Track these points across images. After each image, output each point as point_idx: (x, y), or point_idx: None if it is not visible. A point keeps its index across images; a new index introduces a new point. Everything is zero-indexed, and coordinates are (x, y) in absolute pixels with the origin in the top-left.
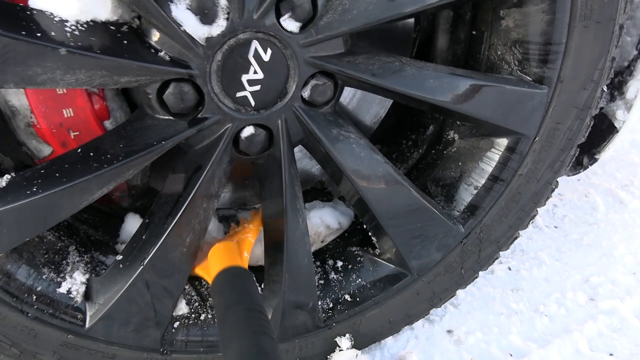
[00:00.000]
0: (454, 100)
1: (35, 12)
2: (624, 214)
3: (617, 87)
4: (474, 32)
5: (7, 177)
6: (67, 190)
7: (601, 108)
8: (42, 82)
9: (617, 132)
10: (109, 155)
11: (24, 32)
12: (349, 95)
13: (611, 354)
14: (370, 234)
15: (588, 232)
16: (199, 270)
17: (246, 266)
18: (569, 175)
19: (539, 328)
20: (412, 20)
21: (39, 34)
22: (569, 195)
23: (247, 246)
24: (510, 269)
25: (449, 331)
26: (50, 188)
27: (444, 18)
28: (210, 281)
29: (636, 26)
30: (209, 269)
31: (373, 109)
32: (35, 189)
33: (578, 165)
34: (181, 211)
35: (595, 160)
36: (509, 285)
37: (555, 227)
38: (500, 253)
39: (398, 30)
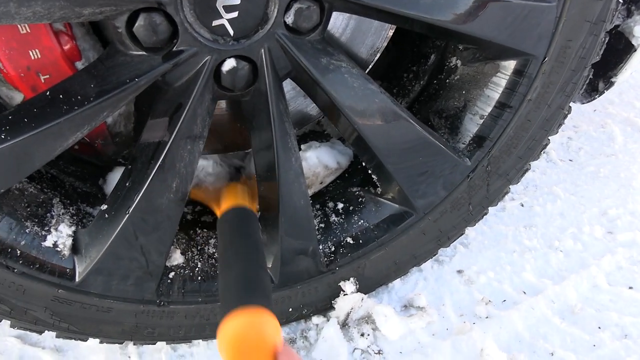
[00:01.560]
0: (454, 20)
1: None
2: None
3: (634, 0)
4: None
5: None
6: (38, 136)
7: (617, 26)
8: None
9: (635, 50)
10: (79, 97)
11: None
12: (341, 26)
13: (631, 287)
14: (371, 173)
15: (605, 164)
16: (209, 202)
17: (255, 210)
18: (583, 103)
19: (554, 264)
20: None
21: None
22: (585, 126)
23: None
24: (522, 205)
25: (459, 271)
26: (19, 135)
27: None
28: (218, 215)
29: None
30: (220, 203)
31: (369, 39)
32: (3, 137)
33: (593, 91)
34: (163, 154)
35: (612, 83)
36: (522, 221)
37: (570, 160)
38: (512, 188)
39: None
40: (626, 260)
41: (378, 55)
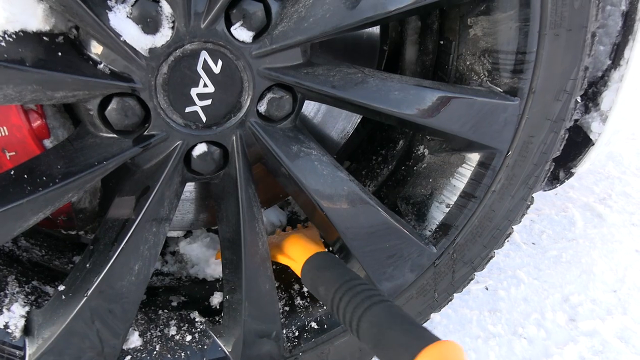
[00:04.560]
0: (420, 114)
1: None
2: (603, 228)
3: (591, 98)
4: (441, 42)
5: None
6: None
7: (576, 120)
8: None
9: (593, 144)
10: (44, 178)
11: None
12: (313, 110)
13: None
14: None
15: (567, 248)
16: (282, 259)
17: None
18: (545, 190)
19: (518, 352)
20: (377, 30)
21: None
22: (547, 210)
23: (316, 232)
24: (487, 288)
25: None
26: None
27: (412, 28)
28: (299, 267)
29: (609, 35)
30: (293, 256)
31: (339, 124)
32: None
33: (554, 180)
34: (127, 237)
35: (572, 174)
36: (487, 306)
37: (533, 243)
38: (476, 273)
39: (363, 41)
40: (588, 350)
41: (348, 137)
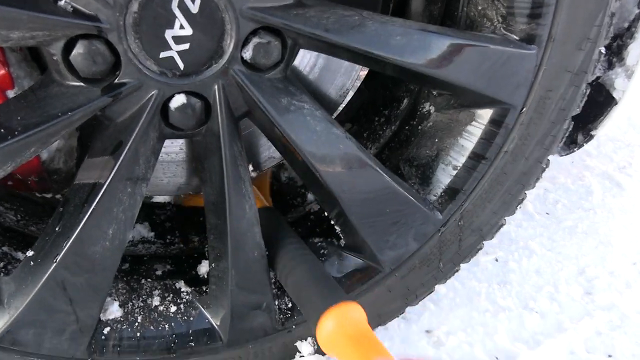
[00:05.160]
0: (426, 63)
1: None
2: (622, 198)
3: (615, 52)
4: None
5: None
6: None
7: (597, 77)
8: None
9: (616, 103)
10: (1, 130)
11: None
12: (309, 64)
13: (610, 355)
14: (333, 223)
15: (583, 219)
16: None
17: (270, 204)
18: (561, 155)
19: (529, 327)
20: None
21: None
22: (562, 178)
23: (264, 185)
24: (497, 260)
25: (427, 331)
26: None
27: None
28: None
29: None
30: None
31: (338, 79)
32: None
33: (572, 143)
34: (98, 197)
35: (592, 137)
36: (496, 278)
37: (547, 213)
38: (486, 243)
39: None
40: (605, 325)
41: (349, 96)
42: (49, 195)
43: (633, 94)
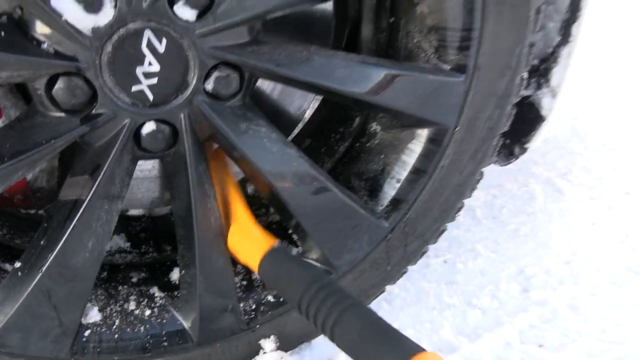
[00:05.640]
0: (366, 91)
1: None
2: (562, 202)
3: (542, 74)
4: (392, 20)
5: None
6: None
7: (528, 96)
8: None
9: (544, 120)
10: None
11: None
12: (269, 87)
13: (541, 345)
14: (290, 232)
15: (526, 222)
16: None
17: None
18: (501, 165)
19: (471, 322)
20: (330, 8)
21: None
22: (509, 185)
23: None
24: (446, 262)
25: None
26: None
27: (368, 7)
28: (256, 268)
29: (559, 11)
30: (246, 251)
31: (296, 101)
32: None
33: (510, 155)
34: (79, 214)
35: (526, 149)
36: (444, 278)
37: (493, 217)
38: (436, 246)
39: (316, 20)
40: (538, 318)
41: (307, 114)
42: (32, 211)
43: (558, 111)
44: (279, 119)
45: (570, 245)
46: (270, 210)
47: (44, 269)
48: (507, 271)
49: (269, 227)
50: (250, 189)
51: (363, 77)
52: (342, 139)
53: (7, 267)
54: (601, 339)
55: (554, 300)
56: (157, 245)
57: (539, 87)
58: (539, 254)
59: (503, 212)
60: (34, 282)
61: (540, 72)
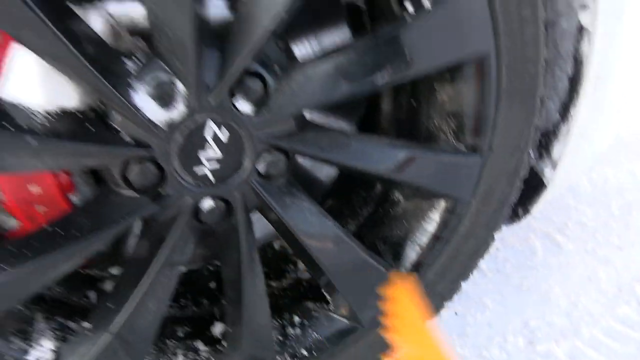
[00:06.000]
0: (393, 170)
1: (4, 103)
2: (560, 256)
3: (545, 147)
4: (413, 102)
5: None
6: (36, 269)
7: (532, 166)
8: (9, 167)
9: (546, 187)
10: (76, 233)
11: None
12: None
13: None
14: (323, 290)
15: (527, 276)
16: None
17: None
18: (506, 225)
19: None
20: None
21: (7, 125)
22: (511, 239)
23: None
24: (456, 314)
25: None
26: (19, 266)
27: (388, 88)
28: None
29: (558, 94)
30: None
31: (325, 169)
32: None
33: (515, 216)
34: (145, 281)
35: (529, 211)
36: (456, 330)
37: (497, 271)
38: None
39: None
40: None
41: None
42: (91, 271)
43: (558, 180)
44: (311, 186)
45: (569, 298)
46: (298, 267)
47: (113, 330)
48: (512, 324)
49: (299, 284)
50: (277, 244)
51: (391, 158)
52: (365, 203)
53: (71, 324)
54: None
55: (556, 352)
56: (194, 299)
57: (541, 157)
58: (542, 307)
59: (507, 265)
60: (103, 343)
61: (543, 145)
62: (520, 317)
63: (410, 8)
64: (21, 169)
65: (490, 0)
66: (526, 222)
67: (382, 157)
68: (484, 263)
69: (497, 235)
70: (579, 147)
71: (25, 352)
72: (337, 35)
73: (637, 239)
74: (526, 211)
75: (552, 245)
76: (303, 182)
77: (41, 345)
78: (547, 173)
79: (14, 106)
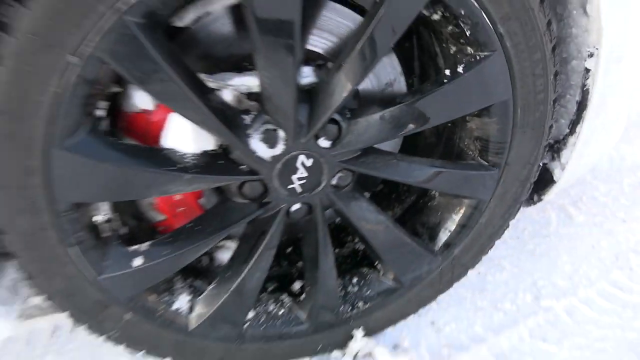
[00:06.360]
0: (433, 183)
1: (166, 150)
2: (571, 227)
3: (556, 151)
4: (450, 125)
5: (147, 243)
6: (185, 253)
7: (546, 163)
8: (168, 192)
9: (555, 183)
10: (209, 229)
11: (159, 165)
12: None
13: (544, 340)
14: (376, 262)
15: (541, 244)
16: None
17: None
18: (524, 207)
19: (496, 321)
20: None
21: (169, 165)
22: (530, 210)
23: None
24: (479, 273)
25: (432, 322)
26: (174, 252)
27: None
28: None
29: (568, 113)
30: None
31: None
32: (165, 252)
33: (531, 201)
34: (253, 259)
35: (541, 199)
36: (478, 286)
37: (517, 238)
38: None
39: None
40: (544, 321)
41: None
42: None
43: (565, 179)
44: (367, 177)
45: (573, 264)
46: (355, 240)
47: (230, 290)
48: (523, 283)
49: (356, 253)
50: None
51: (430, 174)
52: (408, 192)
53: (198, 283)
54: (587, 337)
55: (556, 307)
56: (277, 261)
57: (553, 159)
58: (549, 270)
59: (524, 234)
60: (223, 298)
61: (554, 149)
62: (530, 278)
63: (447, 72)
64: (178, 192)
65: (510, 66)
66: None
67: (424, 173)
68: (505, 232)
69: None
70: (582, 154)
71: (171, 304)
72: (392, 73)
73: None
74: (539, 199)
75: (565, 217)
76: (361, 176)
77: (180, 299)
78: (557, 172)
79: (173, 151)
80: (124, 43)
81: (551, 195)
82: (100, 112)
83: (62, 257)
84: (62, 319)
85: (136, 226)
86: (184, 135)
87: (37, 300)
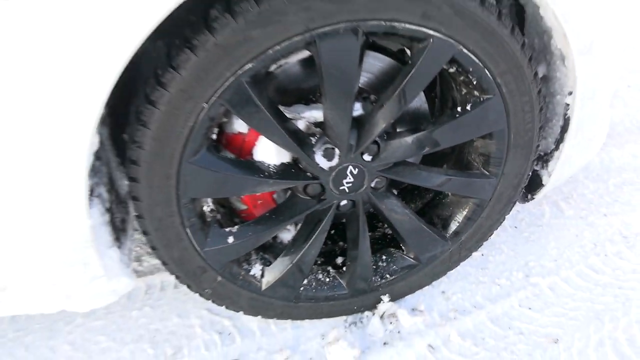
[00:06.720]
0: (446, 186)
1: (257, 162)
2: (560, 220)
3: (544, 161)
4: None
5: (236, 227)
6: (263, 234)
7: (537, 171)
8: (257, 191)
9: (544, 187)
10: (281, 217)
11: (253, 173)
12: None
13: (530, 308)
14: (401, 244)
15: (535, 232)
16: None
17: None
18: (520, 203)
19: (494, 292)
20: None
21: (260, 173)
22: (528, 204)
23: None
24: (482, 255)
25: (443, 292)
26: (255, 233)
27: None
28: None
29: (554, 134)
30: None
31: None
32: (250, 233)
33: (525, 199)
34: (311, 240)
35: (533, 198)
36: (480, 265)
37: (515, 227)
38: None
39: None
40: (531, 294)
41: None
42: None
43: (551, 184)
44: (396, 182)
45: (558, 250)
46: (385, 226)
47: (293, 262)
48: (517, 263)
49: (385, 236)
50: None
51: (444, 180)
52: (428, 191)
53: (267, 256)
54: (564, 307)
55: (542, 283)
56: (324, 241)
57: (542, 168)
58: (539, 254)
59: (522, 223)
60: (287, 268)
61: (543, 160)
62: (523, 259)
63: (458, 109)
64: (263, 191)
65: (506, 105)
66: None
67: (439, 179)
68: (506, 221)
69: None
70: (565, 165)
71: (249, 271)
72: (418, 101)
73: (620, 210)
74: (532, 198)
75: (557, 210)
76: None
77: (253, 267)
78: (545, 178)
79: (262, 163)
80: (238, 94)
81: (540, 195)
82: (213, 135)
83: (181, 235)
84: (153, 280)
85: (228, 213)
86: (269, 152)
87: (134, 265)
